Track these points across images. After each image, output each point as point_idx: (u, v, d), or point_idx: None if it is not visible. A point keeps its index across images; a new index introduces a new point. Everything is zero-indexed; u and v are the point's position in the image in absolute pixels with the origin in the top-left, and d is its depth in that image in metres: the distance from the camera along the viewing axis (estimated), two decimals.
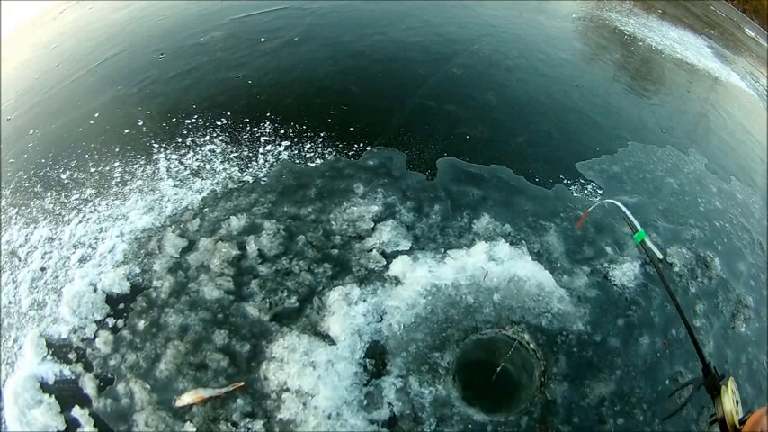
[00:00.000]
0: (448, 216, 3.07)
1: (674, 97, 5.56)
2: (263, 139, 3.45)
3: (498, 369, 2.47)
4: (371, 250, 2.82)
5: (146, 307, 2.54)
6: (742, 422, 1.36)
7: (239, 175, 3.20)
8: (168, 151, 3.37)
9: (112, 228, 2.92)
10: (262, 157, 3.32)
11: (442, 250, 2.87)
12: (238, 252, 2.75)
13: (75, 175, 3.30)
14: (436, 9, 5.61)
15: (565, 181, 3.51)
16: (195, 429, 2.18)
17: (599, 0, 7.66)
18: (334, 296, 2.59)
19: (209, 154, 3.34)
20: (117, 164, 3.32)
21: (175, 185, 3.14)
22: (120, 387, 2.30)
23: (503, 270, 2.78)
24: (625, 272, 3.00)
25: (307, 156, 3.34)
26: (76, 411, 2.25)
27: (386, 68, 4.35)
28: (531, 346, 2.58)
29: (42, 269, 2.78)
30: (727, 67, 7.15)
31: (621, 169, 3.82)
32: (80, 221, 3.00)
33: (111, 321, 2.50)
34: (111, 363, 2.37)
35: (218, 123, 3.57)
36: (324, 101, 3.84)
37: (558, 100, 4.46)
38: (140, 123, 3.62)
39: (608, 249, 3.11)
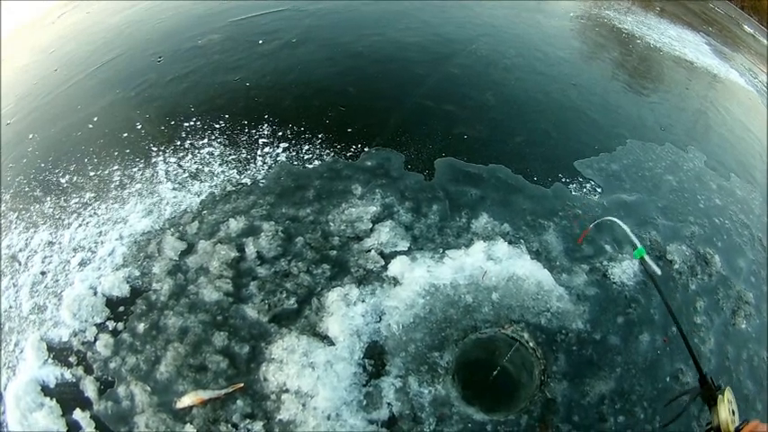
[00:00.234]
0: (446, 216, 3.07)
1: (673, 95, 5.56)
2: (261, 141, 3.45)
3: (496, 372, 2.47)
4: (370, 251, 2.82)
5: (145, 310, 2.55)
6: (738, 431, 1.37)
7: (238, 177, 3.21)
8: (167, 154, 3.38)
9: (112, 231, 2.93)
10: (260, 159, 3.33)
11: (441, 250, 2.87)
12: (237, 254, 2.75)
13: (75, 178, 3.31)
14: (434, 9, 5.61)
15: (563, 180, 3.51)
16: (195, 431, 2.19)
17: None
18: (333, 297, 2.59)
19: (208, 156, 3.35)
20: (116, 167, 3.33)
21: (174, 188, 3.15)
22: (121, 389, 2.31)
23: (501, 269, 2.78)
24: (624, 270, 3.00)
25: (305, 157, 3.35)
26: (77, 414, 2.26)
27: (384, 69, 4.35)
28: (531, 344, 2.58)
29: (42, 273, 2.79)
30: (725, 63, 7.14)
31: (620, 167, 3.82)
32: (80, 225, 3.01)
33: (111, 324, 2.51)
34: (112, 365, 2.38)
35: (217, 126, 3.58)
36: (322, 102, 3.85)
37: (556, 99, 4.46)
38: (139, 127, 3.63)
39: (607, 247, 3.10)
